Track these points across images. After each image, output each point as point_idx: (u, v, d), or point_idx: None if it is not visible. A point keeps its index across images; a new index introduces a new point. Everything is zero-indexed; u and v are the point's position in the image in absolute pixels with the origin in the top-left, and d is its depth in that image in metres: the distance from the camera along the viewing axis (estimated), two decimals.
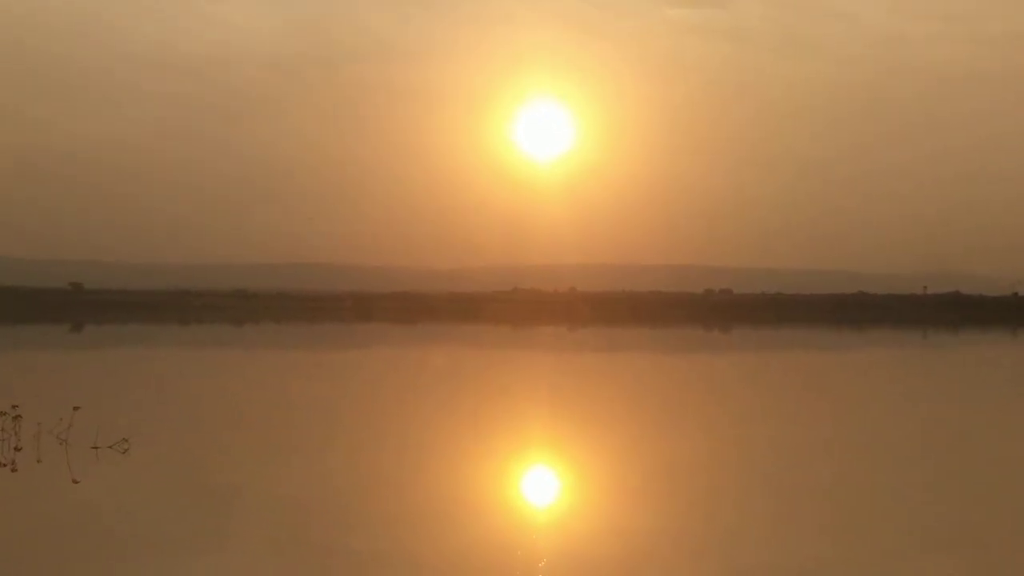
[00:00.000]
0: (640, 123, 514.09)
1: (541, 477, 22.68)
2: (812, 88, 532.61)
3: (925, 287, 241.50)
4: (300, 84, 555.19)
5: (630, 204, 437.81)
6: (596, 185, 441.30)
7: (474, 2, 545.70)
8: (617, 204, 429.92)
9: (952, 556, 14.86)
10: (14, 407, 23.53)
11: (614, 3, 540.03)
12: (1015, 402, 41.29)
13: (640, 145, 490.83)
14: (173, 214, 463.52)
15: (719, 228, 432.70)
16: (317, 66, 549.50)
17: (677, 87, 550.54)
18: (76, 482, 19.27)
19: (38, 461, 21.11)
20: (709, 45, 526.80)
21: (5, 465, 20.70)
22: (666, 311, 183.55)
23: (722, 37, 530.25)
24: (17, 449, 22.14)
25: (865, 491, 20.15)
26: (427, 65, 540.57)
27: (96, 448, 22.35)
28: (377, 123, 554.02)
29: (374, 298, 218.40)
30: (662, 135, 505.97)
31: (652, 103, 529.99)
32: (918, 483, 21.41)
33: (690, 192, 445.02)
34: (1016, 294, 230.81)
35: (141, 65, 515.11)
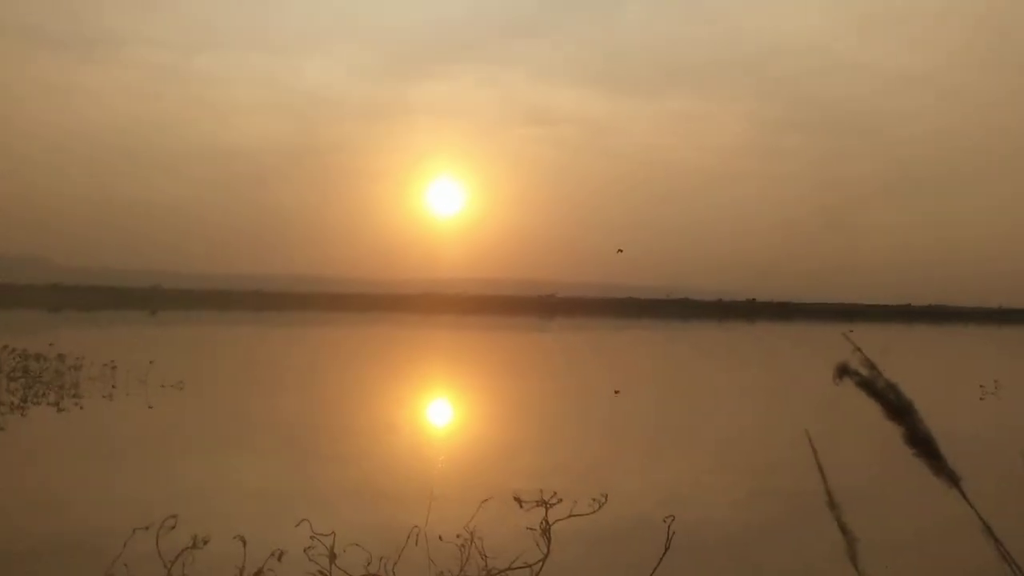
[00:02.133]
0: (507, 194, 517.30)
1: (436, 408, 22.94)
2: (607, 174, 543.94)
3: (668, 294, 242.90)
4: (293, 165, 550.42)
5: (501, 241, 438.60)
6: (480, 230, 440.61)
7: (399, 117, 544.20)
8: (493, 241, 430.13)
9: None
10: (112, 361, 23.63)
11: (490, 120, 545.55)
12: (716, 360, 42.16)
13: (507, 208, 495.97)
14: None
15: (551, 256, 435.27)
16: (302, 154, 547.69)
17: (530, 172, 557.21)
18: (151, 407, 19.22)
19: (127, 394, 21.01)
20: (544, 148, 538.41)
21: (106, 396, 20.59)
22: (517, 307, 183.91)
23: (551, 144, 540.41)
24: (114, 387, 22.00)
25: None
26: (370, 155, 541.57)
27: (163, 386, 22.21)
28: (342, 191, 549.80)
29: (341, 296, 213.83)
30: (519, 203, 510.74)
31: (515, 181, 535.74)
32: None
33: (540, 237, 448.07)
34: (721, 300, 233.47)
35: (193, 151, 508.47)
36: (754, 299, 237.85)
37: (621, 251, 54.03)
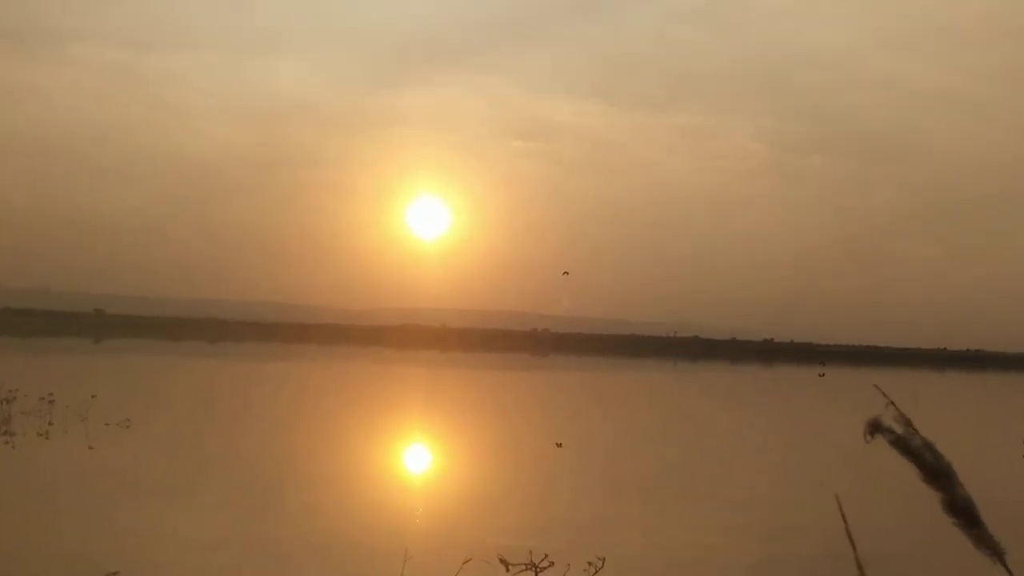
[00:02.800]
0: (496, 215, 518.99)
1: (413, 453, 22.85)
2: (607, 195, 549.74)
3: (675, 332, 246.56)
4: (260, 178, 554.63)
5: (487, 268, 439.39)
6: (465, 255, 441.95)
7: (378, 128, 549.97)
8: (479, 268, 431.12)
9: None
10: (50, 394, 23.43)
11: (478, 133, 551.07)
12: (729, 407, 42.68)
13: (496, 231, 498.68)
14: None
15: (544, 286, 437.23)
16: (270, 167, 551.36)
17: (522, 191, 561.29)
18: (91, 448, 19.00)
19: (65, 432, 20.79)
20: (538, 165, 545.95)
21: (41, 434, 20.39)
22: (506, 342, 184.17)
23: (546, 160, 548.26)
24: (51, 424, 21.79)
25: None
26: (345, 170, 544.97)
27: (106, 424, 22.00)
28: (313, 209, 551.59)
29: (310, 327, 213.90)
30: (509, 226, 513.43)
31: (505, 201, 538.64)
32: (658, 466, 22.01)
33: (533, 264, 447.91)
34: (735, 339, 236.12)
35: (149, 159, 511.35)
36: (771, 339, 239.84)
37: (567, 274, 55.43)
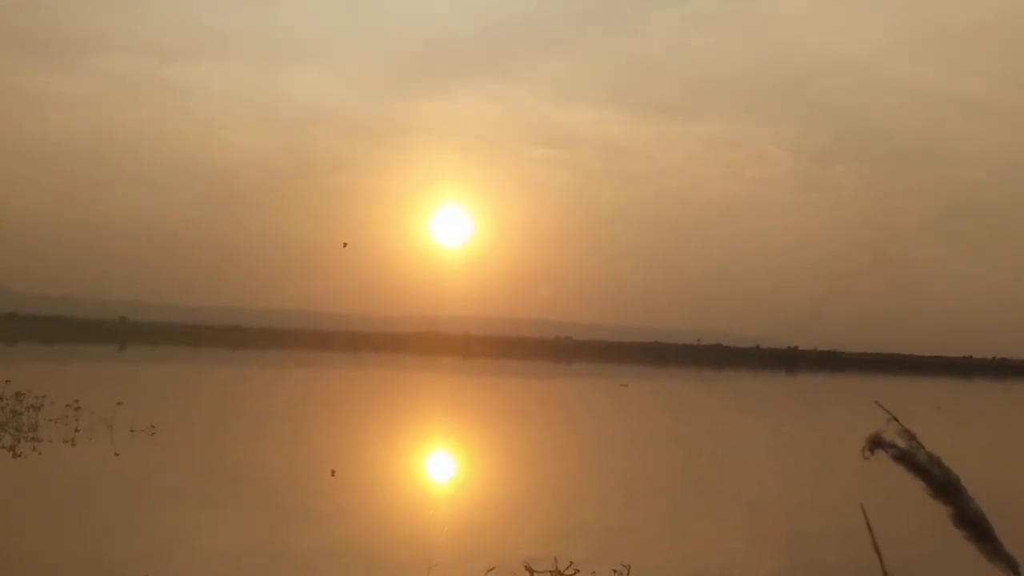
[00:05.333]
0: (517, 222, 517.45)
1: (437, 459, 22.90)
2: (628, 203, 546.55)
3: (699, 339, 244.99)
4: (283, 185, 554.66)
5: (509, 277, 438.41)
6: (486, 264, 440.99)
7: (400, 135, 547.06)
8: (500, 277, 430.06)
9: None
10: (76, 401, 23.60)
11: (500, 141, 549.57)
12: (752, 414, 42.47)
13: (517, 238, 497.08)
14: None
15: (566, 294, 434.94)
16: (293, 174, 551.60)
17: (543, 199, 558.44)
18: (117, 455, 19.18)
19: (91, 439, 20.99)
20: (558, 173, 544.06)
21: (67, 441, 20.59)
22: (528, 349, 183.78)
23: (566, 168, 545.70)
24: (77, 430, 22.00)
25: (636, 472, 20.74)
26: (368, 177, 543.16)
27: (132, 431, 22.16)
28: (336, 216, 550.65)
29: (332, 334, 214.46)
30: (530, 233, 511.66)
31: (527, 209, 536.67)
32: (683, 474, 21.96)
33: (555, 272, 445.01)
34: (759, 346, 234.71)
35: (173, 167, 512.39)
36: (795, 347, 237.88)
37: (346, 245, 54.77)
